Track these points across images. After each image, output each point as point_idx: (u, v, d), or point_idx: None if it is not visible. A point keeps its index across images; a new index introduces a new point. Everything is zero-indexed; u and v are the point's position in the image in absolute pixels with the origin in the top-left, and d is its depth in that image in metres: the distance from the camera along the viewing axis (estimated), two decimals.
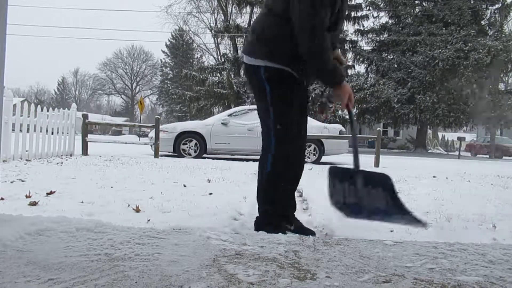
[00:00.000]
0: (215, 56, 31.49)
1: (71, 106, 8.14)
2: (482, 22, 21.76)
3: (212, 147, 8.86)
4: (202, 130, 8.85)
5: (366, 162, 9.04)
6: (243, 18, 26.15)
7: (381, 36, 23.07)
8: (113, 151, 8.95)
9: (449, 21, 20.46)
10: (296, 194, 2.32)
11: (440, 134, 37.20)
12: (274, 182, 2.06)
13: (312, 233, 2.08)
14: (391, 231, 2.20)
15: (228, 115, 9.22)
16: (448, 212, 2.78)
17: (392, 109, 20.38)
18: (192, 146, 8.80)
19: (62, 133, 7.49)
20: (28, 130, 6.36)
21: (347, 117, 11.64)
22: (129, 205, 2.61)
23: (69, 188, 3.26)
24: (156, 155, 8.07)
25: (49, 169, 4.75)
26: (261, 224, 2.07)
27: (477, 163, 12.95)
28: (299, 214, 2.37)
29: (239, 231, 2.02)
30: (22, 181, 3.62)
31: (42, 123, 6.81)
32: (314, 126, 9.11)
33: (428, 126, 24.27)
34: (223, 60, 24.77)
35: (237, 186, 3.93)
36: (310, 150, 8.95)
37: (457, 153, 18.91)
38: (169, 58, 47.54)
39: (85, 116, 8.39)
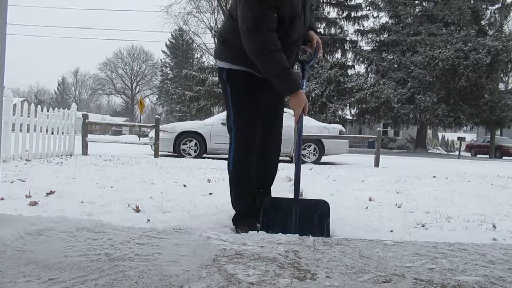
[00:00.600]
0: None
1: (71, 106, 8.13)
2: (482, 22, 21.73)
3: (212, 147, 8.85)
4: (202, 130, 8.85)
5: (366, 162, 9.06)
6: None
7: (381, 36, 23.04)
8: (113, 151, 8.94)
9: (449, 21, 20.43)
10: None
11: (440, 134, 37.23)
12: (235, 182, 2.10)
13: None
14: (391, 231, 2.20)
15: None
16: (448, 212, 2.78)
17: (392, 109, 20.35)
18: (192, 146, 8.80)
19: (62, 133, 7.48)
20: (28, 130, 6.36)
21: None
22: (129, 205, 2.61)
23: (69, 188, 3.25)
24: (156, 155, 8.06)
25: (49, 169, 4.75)
26: (233, 222, 2.11)
27: (477, 163, 12.95)
28: None
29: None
30: (22, 181, 3.62)
31: (42, 123, 6.81)
32: (314, 126, 9.12)
33: (428, 126, 24.25)
34: None
35: None
36: (310, 150, 8.95)
37: (457, 153, 18.90)
38: (169, 58, 47.55)
39: (85, 116, 8.38)
